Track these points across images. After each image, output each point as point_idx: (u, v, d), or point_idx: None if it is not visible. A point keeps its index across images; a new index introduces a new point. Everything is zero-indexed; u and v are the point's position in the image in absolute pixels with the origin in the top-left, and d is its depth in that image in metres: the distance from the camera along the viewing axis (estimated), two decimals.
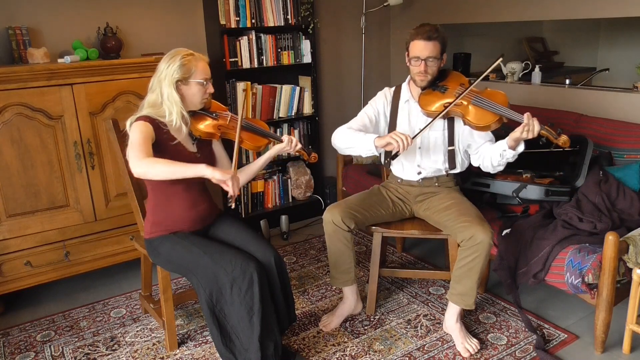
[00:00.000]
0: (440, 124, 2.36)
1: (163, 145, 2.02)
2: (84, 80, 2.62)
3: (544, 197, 2.49)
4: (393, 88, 2.50)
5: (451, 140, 2.38)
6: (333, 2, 3.86)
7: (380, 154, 2.39)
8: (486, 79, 3.63)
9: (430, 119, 2.27)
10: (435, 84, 2.34)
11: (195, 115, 2.14)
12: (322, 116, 3.95)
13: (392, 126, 2.43)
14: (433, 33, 2.24)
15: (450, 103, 2.20)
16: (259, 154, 2.35)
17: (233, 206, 1.95)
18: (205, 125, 2.13)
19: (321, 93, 3.93)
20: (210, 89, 2.10)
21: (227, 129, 2.17)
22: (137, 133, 1.95)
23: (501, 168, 2.28)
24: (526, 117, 2.06)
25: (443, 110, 2.21)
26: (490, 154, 2.24)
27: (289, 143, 2.22)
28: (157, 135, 2.01)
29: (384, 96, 2.48)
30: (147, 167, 1.85)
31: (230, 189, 1.90)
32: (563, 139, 2.06)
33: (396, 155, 2.17)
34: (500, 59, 2.19)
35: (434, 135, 2.38)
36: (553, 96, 3.21)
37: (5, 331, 2.55)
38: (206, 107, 2.16)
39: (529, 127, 2.04)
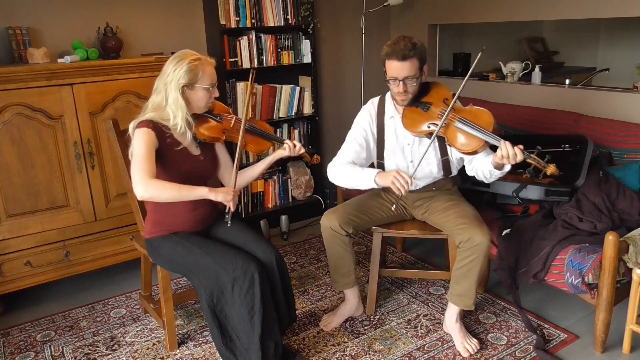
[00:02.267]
0: (428, 140, 2.26)
1: (166, 150, 2.02)
2: (84, 80, 2.62)
3: (544, 197, 2.49)
4: (377, 100, 2.39)
5: (444, 152, 2.33)
6: (333, 2, 3.86)
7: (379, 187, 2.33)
8: (485, 77, 3.63)
9: (416, 137, 2.27)
10: (417, 101, 2.23)
11: (199, 118, 2.12)
12: (322, 116, 3.95)
13: (380, 143, 2.36)
14: (408, 51, 2.08)
15: (437, 128, 2.10)
16: (259, 157, 2.34)
17: (229, 223, 1.99)
18: (210, 129, 2.12)
19: (321, 93, 3.93)
20: (216, 94, 2.09)
21: (231, 132, 2.16)
22: (141, 146, 1.93)
23: (495, 180, 2.24)
24: (503, 146, 1.96)
25: (429, 144, 2.14)
26: (482, 169, 2.19)
27: (290, 149, 2.20)
28: (160, 141, 2.00)
29: (368, 114, 2.36)
30: (155, 193, 1.88)
31: (231, 206, 1.97)
32: (551, 168, 1.95)
33: (399, 198, 2.16)
34: (480, 53, 2.02)
35: (424, 150, 2.28)
36: (553, 96, 3.21)
37: (5, 331, 2.55)
38: (210, 109, 2.15)
39: (509, 156, 1.96)
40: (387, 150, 2.36)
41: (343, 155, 2.33)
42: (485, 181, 2.28)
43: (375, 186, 2.18)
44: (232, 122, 2.17)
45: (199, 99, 2.05)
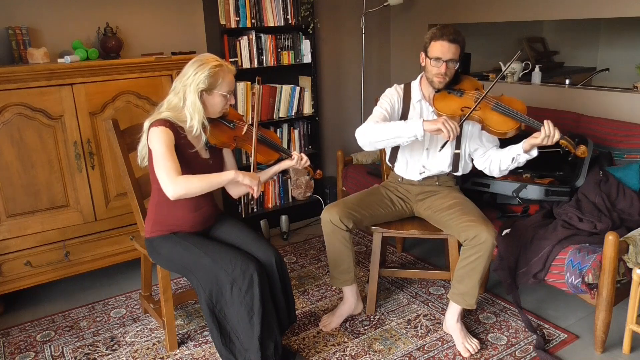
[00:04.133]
0: None
1: (180, 151, 2.01)
2: (84, 80, 2.62)
3: (544, 197, 2.49)
4: (402, 86, 2.46)
5: (458, 144, 2.37)
6: (333, 2, 3.86)
7: (420, 139, 2.28)
8: (485, 77, 3.64)
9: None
10: (450, 87, 2.31)
11: (213, 122, 2.12)
12: (322, 116, 3.95)
13: None
14: (457, 35, 2.22)
15: (470, 109, 2.18)
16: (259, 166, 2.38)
17: (255, 208, 2.00)
18: (222, 135, 2.13)
19: (321, 93, 3.93)
20: (232, 101, 2.10)
21: (243, 140, 2.17)
22: (161, 144, 1.92)
23: (506, 172, 2.29)
24: (546, 124, 2.05)
25: (463, 117, 2.17)
26: (500, 157, 2.25)
27: (298, 160, 2.22)
28: (176, 141, 2.00)
29: (395, 92, 2.42)
30: (186, 188, 1.88)
31: (255, 192, 1.99)
32: (582, 149, 2.05)
33: (445, 144, 2.16)
34: (519, 52, 2.20)
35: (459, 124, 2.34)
36: (553, 96, 3.21)
37: (5, 331, 2.55)
38: (224, 115, 2.17)
39: (550, 135, 2.04)
40: None
41: (372, 118, 2.32)
42: (497, 175, 2.33)
43: (419, 135, 2.13)
44: (244, 129, 2.18)
45: (215, 104, 2.05)
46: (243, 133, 2.18)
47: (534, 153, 2.16)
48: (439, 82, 2.28)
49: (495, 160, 2.28)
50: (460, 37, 2.23)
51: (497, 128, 2.18)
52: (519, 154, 2.18)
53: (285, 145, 3.68)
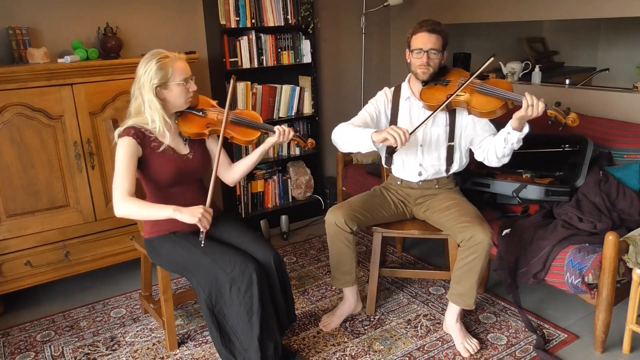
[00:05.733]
0: (443, 119, 2.36)
1: (152, 155, 2.02)
2: (83, 80, 2.62)
3: (544, 197, 2.49)
4: (393, 88, 2.50)
5: (451, 137, 2.37)
6: (333, 2, 3.86)
7: (379, 149, 2.36)
8: (485, 77, 3.64)
9: (430, 117, 2.27)
10: (436, 79, 2.34)
11: (182, 115, 2.10)
12: (322, 116, 3.95)
13: (393, 124, 2.42)
14: (436, 26, 2.27)
15: (453, 93, 2.21)
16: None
17: (203, 243, 1.95)
18: (193, 125, 2.09)
19: (321, 93, 3.93)
20: (193, 87, 2.06)
21: (216, 126, 2.11)
22: (120, 158, 1.96)
23: (506, 160, 2.26)
24: (527, 95, 2.04)
25: (445, 101, 2.21)
26: (495, 143, 2.23)
27: (281, 134, 2.17)
28: (144, 147, 2.00)
29: (384, 95, 2.48)
30: (126, 211, 1.95)
31: (201, 226, 1.92)
32: (572, 116, 2.04)
33: (394, 150, 2.15)
34: (492, 58, 2.17)
35: (436, 131, 2.37)
36: (553, 96, 3.20)
37: (5, 331, 2.55)
38: (193, 105, 2.12)
39: (533, 105, 2.03)
40: None
41: (352, 120, 2.38)
42: (496, 164, 2.29)
43: (371, 145, 2.17)
44: (216, 115, 2.13)
45: (176, 96, 2.03)
46: (215, 118, 2.12)
47: (525, 129, 2.14)
48: (422, 72, 2.30)
49: (491, 148, 2.26)
50: (440, 27, 2.27)
51: (482, 108, 2.19)
52: (508, 132, 2.15)
53: (285, 145, 3.68)
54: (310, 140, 2.30)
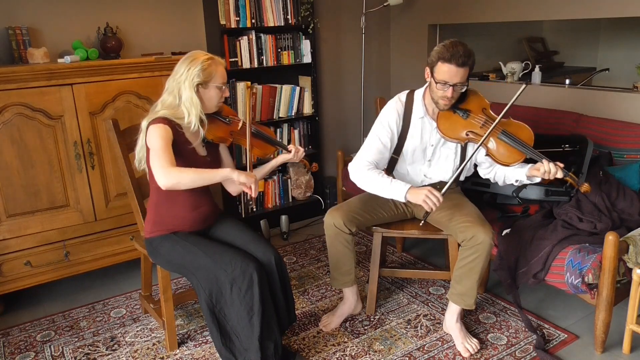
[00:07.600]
0: (454, 144, 2.31)
1: (179, 148, 2.03)
2: (84, 80, 2.62)
3: (544, 197, 2.49)
4: (404, 97, 2.33)
5: (463, 158, 2.34)
6: (333, 2, 3.86)
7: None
8: (485, 77, 3.63)
9: (444, 140, 2.27)
10: (455, 106, 2.22)
11: (209, 118, 2.15)
12: (322, 116, 3.95)
13: (401, 139, 2.33)
14: (467, 59, 2.06)
15: (480, 141, 2.13)
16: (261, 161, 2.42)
17: (255, 208, 2.01)
18: (218, 130, 2.15)
19: (321, 93, 3.93)
20: (226, 93, 2.13)
21: (238, 135, 2.20)
22: (158, 139, 1.94)
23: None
24: (545, 162, 2.04)
25: (474, 152, 2.20)
26: (505, 174, 2.28)
27: (295, 153, 2.27)
28: (175, 137, 2.01)
29: (395, 112, 2.30)
30: (178, 179, 1.87)
31: (252, 191, 1.98)
32: (585, 186, 2.05)
33: (428, 214, 2.14)
34: (524, 87, 2.09)
35: (446, 152, 2.34)
36: (553, 96, 3.21)
37: (5, 331, 2.54)
38: (219, 110, 2.19)
39: (548, 172, 2.04)
40: (407, 147, 2.34)
41: (365, 154, 2.28)
42: (499, 184, 2.37)
43: (402, 200, 2.15)
44: (240, 124, 2.21)
45: (211, 97, 2.08)
46: (239, 128, 2.20)
47: (536, 180, 2.18)
48: (444, 104, 2.18)
49: (500, 175, 2.32)
50: (471, 59, 2.08)
51: (501, 160, 2.18)
52: (517, 178, 2.22)
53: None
54: (314, 164, 2.46)
